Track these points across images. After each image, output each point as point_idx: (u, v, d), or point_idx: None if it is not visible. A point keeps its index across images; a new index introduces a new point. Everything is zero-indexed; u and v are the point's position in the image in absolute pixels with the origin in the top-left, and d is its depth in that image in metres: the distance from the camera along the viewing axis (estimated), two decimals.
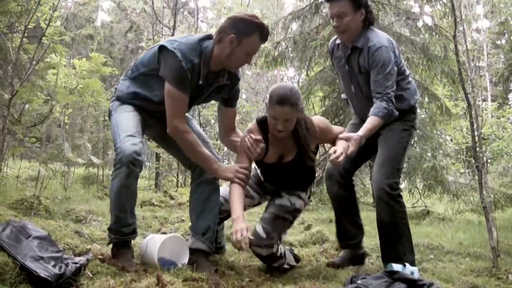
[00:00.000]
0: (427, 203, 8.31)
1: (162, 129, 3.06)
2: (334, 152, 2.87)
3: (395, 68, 3.25)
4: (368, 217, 5.22)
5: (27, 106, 4.76)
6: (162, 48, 2.90)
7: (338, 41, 3.52)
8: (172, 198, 5.80)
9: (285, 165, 3.11)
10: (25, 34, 4.71)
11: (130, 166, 2.74)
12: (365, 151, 3.54)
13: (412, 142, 8.39)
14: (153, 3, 9.17)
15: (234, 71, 3.10)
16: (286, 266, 3.23)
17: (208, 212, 3.12)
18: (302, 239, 4.30)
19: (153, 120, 3.12)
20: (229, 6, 19.19)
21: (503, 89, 22.15)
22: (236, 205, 2.86)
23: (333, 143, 3.11)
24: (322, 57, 8.48)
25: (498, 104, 20.45)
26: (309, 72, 9.14)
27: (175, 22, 8.87)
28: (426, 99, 8.57)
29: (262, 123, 3.08)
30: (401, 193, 3.35)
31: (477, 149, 4.11)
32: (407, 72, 3.51)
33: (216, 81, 3.04)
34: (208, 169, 3.07)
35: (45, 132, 5.46)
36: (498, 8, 23.26)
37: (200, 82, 2.93)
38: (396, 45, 3.39)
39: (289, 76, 26.98)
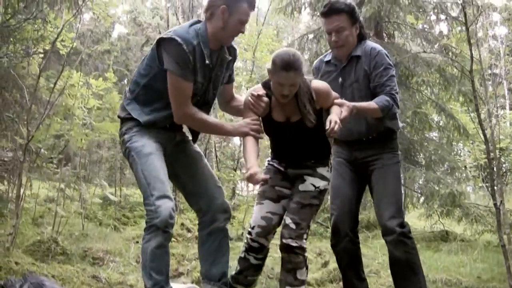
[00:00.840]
0: (446, 223, 8.19)
1: (174, 164, 3.06)
2: (330, 123, 2.84)
3: (395, 74, 3.28)
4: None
5: (42, 150, 4.79)
6: (160, 41, 2.86)
7: (326, 58, 3.53)
8: (189, 230, 5.79)
9: (293, 124, 3.10)
10: (42, 67, 4.76)
11: (165, 231, 2.71)
12: (360, 185, 3.52)
13: (430, 165, 8.34)
14: (168, 24, 9.23)
15: (230, 45, 3.09)
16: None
17: (221, 258, 3.08)
18: (319, 277, 4.26)
19: (170, 147, 3.05)
20: None
21: None
22: (250, 156, 2.93)
23: (328, 111, 3.07)
24: None
25: None
26: None
27: None
28: (444, 119, 8.49)
29: (266, 84, 3.10)
30: (409, 228, 3.33)
31: (495, 184, 4.06)
32: None
33: (223, 58, 3.03)
34: (225, 134, 3.31)
35: (63, 153, 5.47)
36: None
37: (207, 62, 2.89)
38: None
39: None
